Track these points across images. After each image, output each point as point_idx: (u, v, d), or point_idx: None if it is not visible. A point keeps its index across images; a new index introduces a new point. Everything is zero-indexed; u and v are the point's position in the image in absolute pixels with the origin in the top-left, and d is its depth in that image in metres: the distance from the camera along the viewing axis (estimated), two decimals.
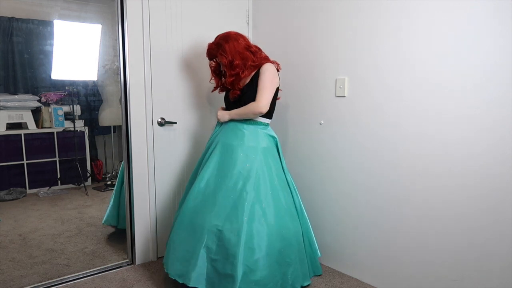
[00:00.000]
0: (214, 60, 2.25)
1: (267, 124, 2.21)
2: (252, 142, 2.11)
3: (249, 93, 2.12)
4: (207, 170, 2.11)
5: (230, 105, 2.23)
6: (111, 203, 2.89)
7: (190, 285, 1.92)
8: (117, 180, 2.92)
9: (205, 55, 2.25)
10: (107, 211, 2.91)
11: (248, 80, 2.16)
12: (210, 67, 2.30)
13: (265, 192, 2.04)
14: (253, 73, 2.15)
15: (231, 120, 2.19)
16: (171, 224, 2.57)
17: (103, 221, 2.94)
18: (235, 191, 2.00)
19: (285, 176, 2.23)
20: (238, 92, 2.15)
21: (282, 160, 2.25)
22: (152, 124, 2.44)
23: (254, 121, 2.16)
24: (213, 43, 2.20)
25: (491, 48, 1.66)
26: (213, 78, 2.31)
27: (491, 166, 1.69)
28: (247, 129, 2.14)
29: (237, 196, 1.99)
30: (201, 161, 2.26)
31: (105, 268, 2.43)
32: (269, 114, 2.18)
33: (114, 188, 2.91)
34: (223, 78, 2.29)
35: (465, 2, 1.72)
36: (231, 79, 2.13)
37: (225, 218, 1.96)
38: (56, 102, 4.43)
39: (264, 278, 1.91)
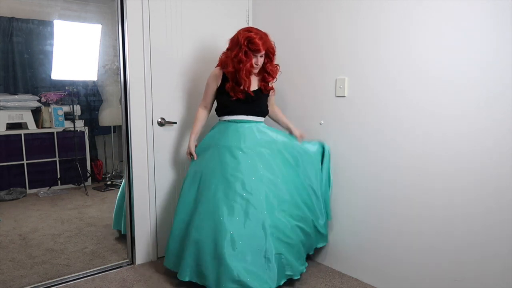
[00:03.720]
0: (252, 55, 2.09)
1: (262, 121, 2.28)
2: (249, 142, 2.14)
3: (263, 99, 2.27)
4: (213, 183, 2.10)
5: (234, 104, 2.18)
6: (116, 206, 2.88)
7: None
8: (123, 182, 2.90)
9: (255, 46, 2.05)
10: (114, 215, 2.90)
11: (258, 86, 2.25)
12: (254, 64, 2.11)
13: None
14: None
15: (230, 123, 2.20)
16: (170, 224, 2.58)
17: (113, 227, 2.95)
18: (248, 192, 2.03)
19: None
20: (273, 89, 2.28)
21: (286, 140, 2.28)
22: (152, 124, 2.44)
23: (253, 121, 2.21)
24: (265, 34, 2.11)
25: (492, 46, 1.65)
26: (248, 75, 2.13)
27: (493, 165, 1.69)
28: (247, 128, 2.18)
29: (251, 195, 2.02)
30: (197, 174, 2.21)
31: (105, 268, 2.42)
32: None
33: (120, 191, 2.88)
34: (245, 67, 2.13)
35: (469, 2, 1.71)
36: (275, 74, 2.23)
37: (241, 222, 1.97)
38: (56, 102, 4.43)
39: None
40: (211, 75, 2.27)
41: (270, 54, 2.17)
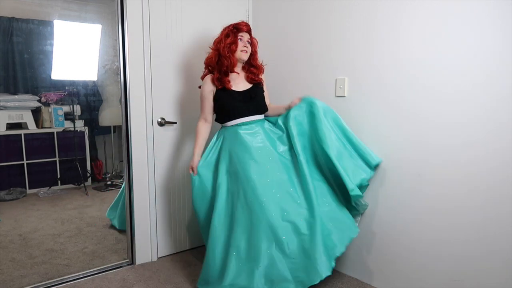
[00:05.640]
0: (238, 37, 2.10)
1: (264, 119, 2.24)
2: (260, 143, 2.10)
3: (261, 95, 2.21)
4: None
5: (235, 106, 2.11)
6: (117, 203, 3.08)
7: None
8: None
9: (238, 25, 2.10)
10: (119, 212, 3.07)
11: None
12: (241, 46, 2.10)
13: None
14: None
15: (236, 128, 2.12)
16: (170, 224, 2.58)
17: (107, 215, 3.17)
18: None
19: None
20: (262, 80, 2.23)
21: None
22: (152, 124, 2.44)
23: (257, 120, 2.16)
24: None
25: (491, 49, 1.65)
26: (236, 52, 2.09)
27: (492, 170, 1.69)
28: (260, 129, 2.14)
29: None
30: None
31: (105, 268, 2.43)
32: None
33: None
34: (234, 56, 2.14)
35: (465, 2, 1.72)
36: (259, 68, 2.21)
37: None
38: (56, 102, 4.43)
39: None
40: (204, 85, 2.16)
41: (253, 45, 2.17)
